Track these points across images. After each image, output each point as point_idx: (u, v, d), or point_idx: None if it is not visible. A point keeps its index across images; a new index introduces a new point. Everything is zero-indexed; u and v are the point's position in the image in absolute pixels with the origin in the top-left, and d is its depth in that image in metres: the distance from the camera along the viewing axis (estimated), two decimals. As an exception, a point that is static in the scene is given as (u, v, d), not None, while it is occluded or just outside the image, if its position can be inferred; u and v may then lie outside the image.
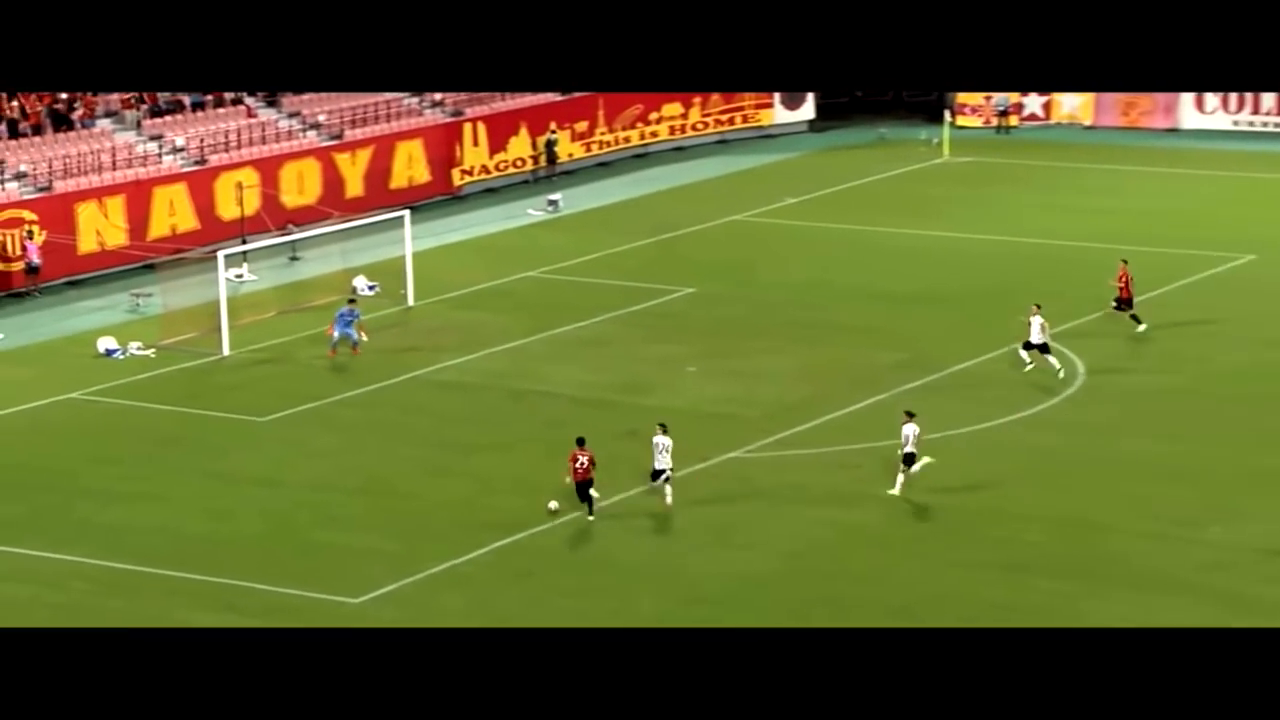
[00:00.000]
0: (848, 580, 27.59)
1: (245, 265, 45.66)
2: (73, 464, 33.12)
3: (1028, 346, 36.17)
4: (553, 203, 52.28)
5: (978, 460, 32.43)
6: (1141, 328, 38.76)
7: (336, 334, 38.38)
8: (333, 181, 50.50)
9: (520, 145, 55.28)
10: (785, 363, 37.90)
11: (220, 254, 40.53)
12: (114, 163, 47.34)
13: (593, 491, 29.76)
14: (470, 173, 54.22)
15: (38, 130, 48.04)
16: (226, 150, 49.49)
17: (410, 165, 52.46)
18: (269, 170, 49.10)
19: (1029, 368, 36.06)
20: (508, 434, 33.86)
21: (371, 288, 43.98)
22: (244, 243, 45.70)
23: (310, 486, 31.80)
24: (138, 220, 46.28)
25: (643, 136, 58.88)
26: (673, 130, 59.51)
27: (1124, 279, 39.18)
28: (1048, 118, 62.18)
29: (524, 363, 38.36)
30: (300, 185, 49.72)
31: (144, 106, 49.91)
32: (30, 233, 44.22)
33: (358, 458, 33.10)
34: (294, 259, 46.97)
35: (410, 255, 43.24)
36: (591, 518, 29.76)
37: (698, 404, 35.40)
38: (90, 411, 36.05)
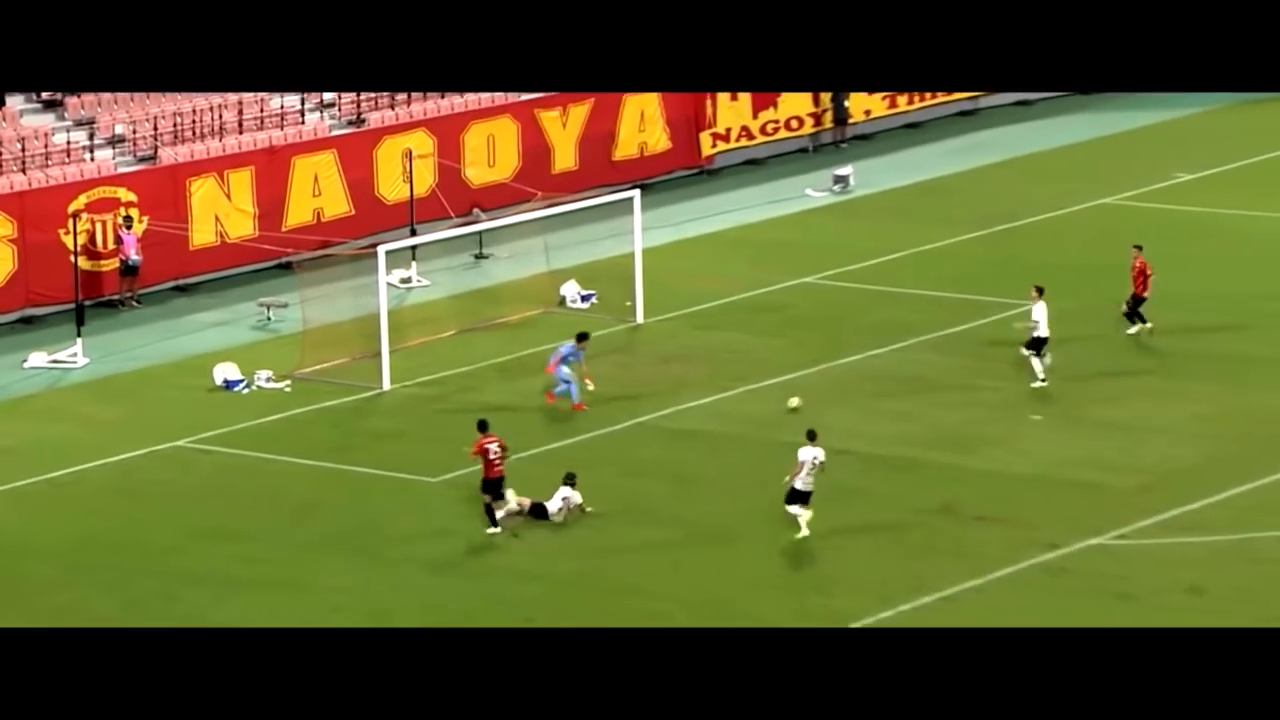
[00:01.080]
0: None
1: (414, 266, 46.30)
2: (177, 539, 33.65)
3: (1032, 345, 38.70)
4: (841, 180, 52.36)
5: None
6: (1133, 329, 40.67)
7: (562, 374, 37.88)
8: (536, 150, 50.93)
9: (796, 100, 55.30)
10: (1176, 411, 37.68)
11: (381, 250, 41.03)
12: (240, 124, 48.33)
13: (509, 493, 32.90)
14: (725, 138, 54.46)
15: (140, 80, 49.33)
16: (391, 106, 50.24)
17: (643, 127, 52.79)
18: (449, 134, 49.63)
19: (1042, 382, 38.51)
20: (771, 506, 33.49)
21: (585, 298, 44.33)
22: (413, 234, 46.23)
23: (496, 573, 32.08)
24: (270, 203, 47.11)
25: (969, 86, 58.49)
26: (1012, 77, 58.83)
27: (1140, 271, 40.33)
28: None
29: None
30: (491, 155, 50.22)
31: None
32: (127, 220, 45.21)
33: (561, 535, 33.30)
34: (481, 257, 47.53)
35: (640, 253, 43.49)
36: (496, 530, 32.74)
37: (1047, 467, 35.19)
38: (202, 466, 36.66)
